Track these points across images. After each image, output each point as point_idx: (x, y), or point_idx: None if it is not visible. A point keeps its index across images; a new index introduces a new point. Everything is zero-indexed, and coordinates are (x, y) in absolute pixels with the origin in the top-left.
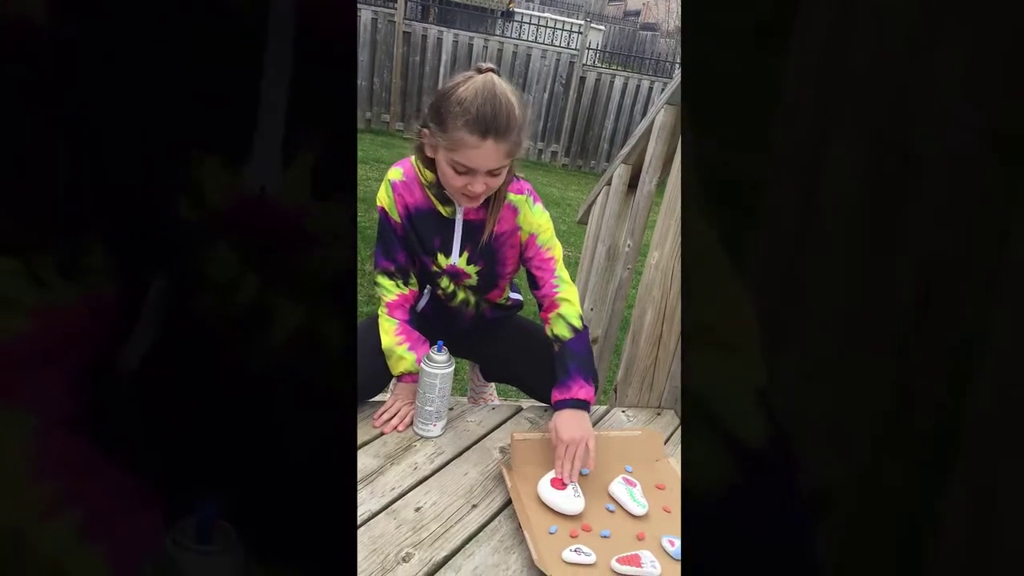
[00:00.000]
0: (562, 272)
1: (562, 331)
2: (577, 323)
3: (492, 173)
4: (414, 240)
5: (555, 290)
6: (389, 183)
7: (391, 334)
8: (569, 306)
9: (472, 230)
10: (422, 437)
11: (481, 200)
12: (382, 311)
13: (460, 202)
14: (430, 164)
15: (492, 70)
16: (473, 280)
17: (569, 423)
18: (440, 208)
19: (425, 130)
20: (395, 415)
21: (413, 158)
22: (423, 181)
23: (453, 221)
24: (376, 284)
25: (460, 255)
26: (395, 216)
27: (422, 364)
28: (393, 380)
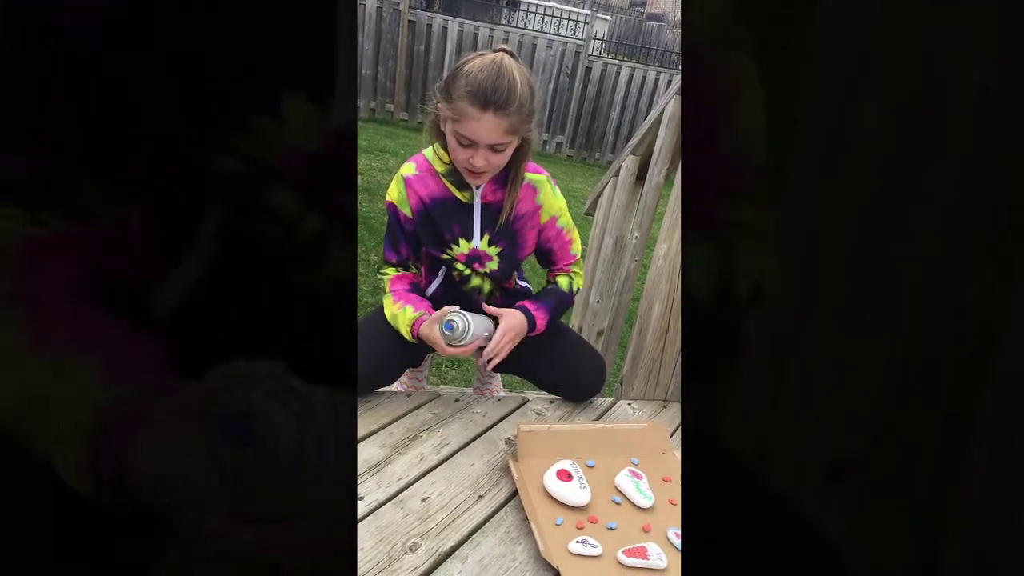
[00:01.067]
0: (579, 259)
1: (562, 282)
2: (574, 288)
3: (494, 149)
4: (430, 231)
5: (570, 268)
6: (402, 179)
7: (390, 304)
8: (578, 278)
9: (491, 213)
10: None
11: (484, 177)
12: (385, 290)
13: (468, 179)
14: (442, 138)
15: (506, 51)
16: (495, 263)
17: (516, 320)
18: (458, 194)
19: (440, 105)
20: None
21: (426, 149)
22: (438, 170)
23: (471, 206)
24: (380, 274)
25: (481, 238)
26: (406, 211)
27: (449, 347)
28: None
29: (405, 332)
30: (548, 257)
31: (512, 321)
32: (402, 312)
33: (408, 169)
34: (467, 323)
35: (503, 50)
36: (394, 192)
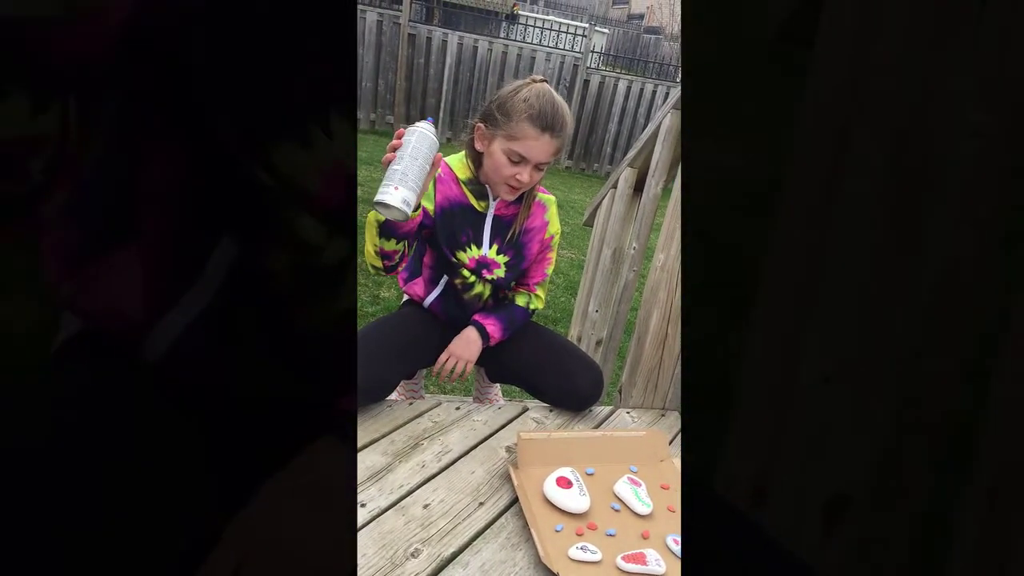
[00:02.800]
0: (546, 280)
1: (519, 300)
2: (531, 306)
3: (539, 167)
4: (449, 231)
5: (535, 287)
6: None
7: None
8: (537, 300)
9: (501, 225)
10: (377, 204)
11: (519, 193)
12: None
13: (501, 193)
14: (477, 157)
15: (545, 81)
16: (502, 271)
17: (464, 341)
18: (475, 203)
19: (481, 125)
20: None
21: (447, 157)
22: (460, 177)
23: (484, 215)
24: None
25: (490, 247)
26: (428, 205)
27: (410, 127)
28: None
29: (376, 229)
30: (524, 271)
31: (458, 340)
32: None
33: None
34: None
35: (543, 80)
36: None
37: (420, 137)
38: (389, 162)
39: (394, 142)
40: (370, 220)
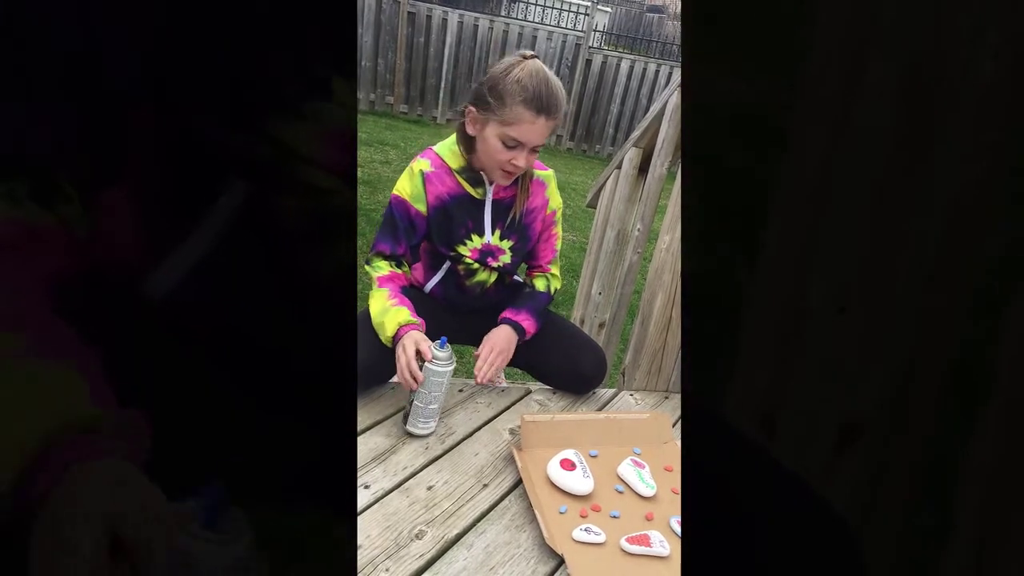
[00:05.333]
0: (557, 256)
1: (540, 285)
2: (552, 288)
3: (534, 150)
4: (445, 228)
5: (549, 265)
6: (421, 175)
7: (383, 298)
8: (555, 279)
9: (501, 209)
10: (414, 436)
11: (514, 178)
12: (374, 286)
13: (496, 178)
14: (470, 142)
15: (535, 56)
16: (507, 256)
17: (501, 335)
18: (471, 191)
19: (472, 108)
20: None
21: (436, 147)
22: (452, 167)
23: (483, 202)
24: (369, 264)
25: (493, 233)
26: (420, 207)
27: (428, 364)
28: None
29: (391, 329)
30: (532, 252)
31: (495, 336)
32: (396, 310)
33: (424, 165)
34: (452, 360)
35: (533, 56)
36: (406, 187)
37: (449, 376)
38: (410, 388)
39: (414, 378)
40: (377, 309)
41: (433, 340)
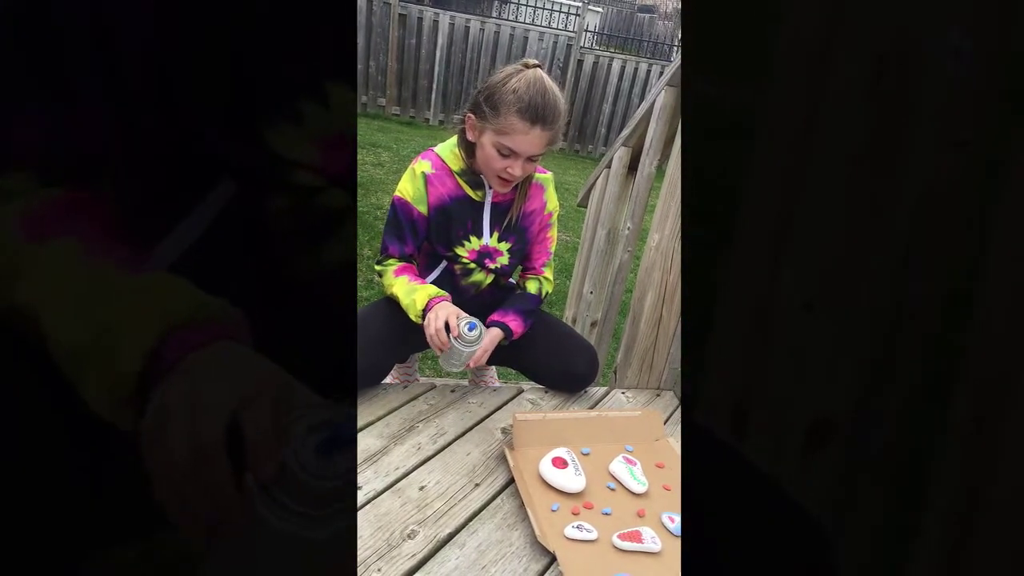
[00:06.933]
0: (551, 260)
1: (531, 287)
2: (543, 292)
3: (531, 159)
4: (444, 229)
5: (543, 269)
6: (423, 176)
7: (405, 282)
8: (547, 282)
9: (500, 211)
10: (447, 372)
11: (511, 185)
12: (390, 279)
13: (495, 185)
14: (470, 148)
15: (539, 66)
16: (505, 258)
17: (489, 335)
18: (471, 193)
19: (471, 115)
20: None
21: (437, 148)
22: (453, 169)
23: (482, 204)
24: (380, 265)
25: (491, 235)
26: (422, 208)
27: (454, 340)
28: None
29: (421, 303)
30: (527, 255)
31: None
32: (424, 287)
33: (425, 167)
34: (482, 333)
35: (536, 65)
36: (408, 189)
37: (460, 349)
38: (442, 343)
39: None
40: (404, 290)
41: (423, 338)
